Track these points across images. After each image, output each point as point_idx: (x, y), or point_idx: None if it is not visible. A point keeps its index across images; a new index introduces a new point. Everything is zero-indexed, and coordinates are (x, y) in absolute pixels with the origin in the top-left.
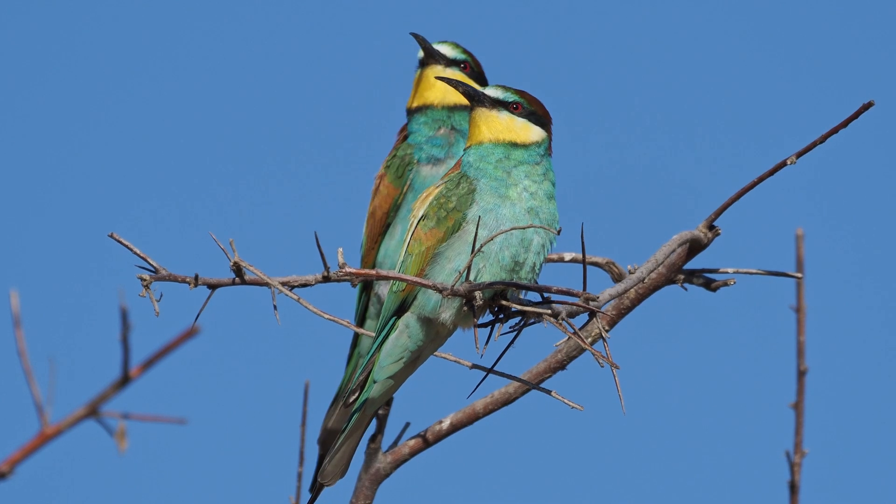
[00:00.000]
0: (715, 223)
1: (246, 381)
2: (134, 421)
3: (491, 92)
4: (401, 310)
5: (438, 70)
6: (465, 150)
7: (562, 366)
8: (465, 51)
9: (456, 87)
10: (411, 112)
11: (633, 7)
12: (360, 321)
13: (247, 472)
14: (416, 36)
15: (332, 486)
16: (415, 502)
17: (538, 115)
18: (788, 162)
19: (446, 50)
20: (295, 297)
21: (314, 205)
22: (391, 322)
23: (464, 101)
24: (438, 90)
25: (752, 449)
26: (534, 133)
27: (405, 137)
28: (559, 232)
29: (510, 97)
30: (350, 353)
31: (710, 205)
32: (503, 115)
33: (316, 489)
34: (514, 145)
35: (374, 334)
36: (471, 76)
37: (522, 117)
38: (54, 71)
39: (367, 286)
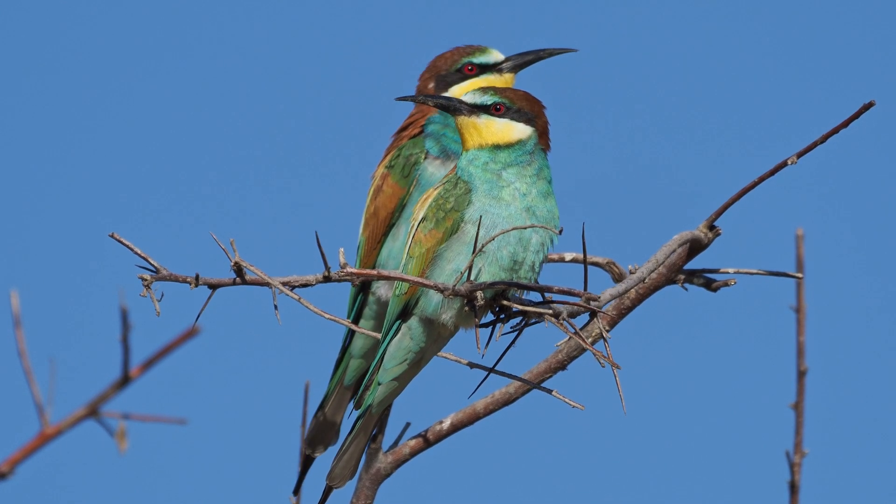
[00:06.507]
0: (715, 223)
1: (246, 381)
2: (134, 421)
3: (468, 97)
4: (404, 313)
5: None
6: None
7: (563, 366)
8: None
9: (425, 103)
10: None
11: (635, 7)
12: (355, 322)
13: (247, 472)
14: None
15: (342, 488)
16: (415, 502)
17: (524, 111)
18: (789, 162)
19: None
20: (296, 297)
21: (314, 205)
22: (395, 326)
23: None
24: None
25: (752, 449)
26: (517, 131)
27: (411, 135)
28: (560, 232)
29: (489, 100)
30: (338, 360)
31: (710, 205)
32: (482, 119)
33: (325, 491)
34: (498, 147)
35: (374, 334)
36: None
37: (504, 118)
38: (54, 71)
39: (363, 287)
